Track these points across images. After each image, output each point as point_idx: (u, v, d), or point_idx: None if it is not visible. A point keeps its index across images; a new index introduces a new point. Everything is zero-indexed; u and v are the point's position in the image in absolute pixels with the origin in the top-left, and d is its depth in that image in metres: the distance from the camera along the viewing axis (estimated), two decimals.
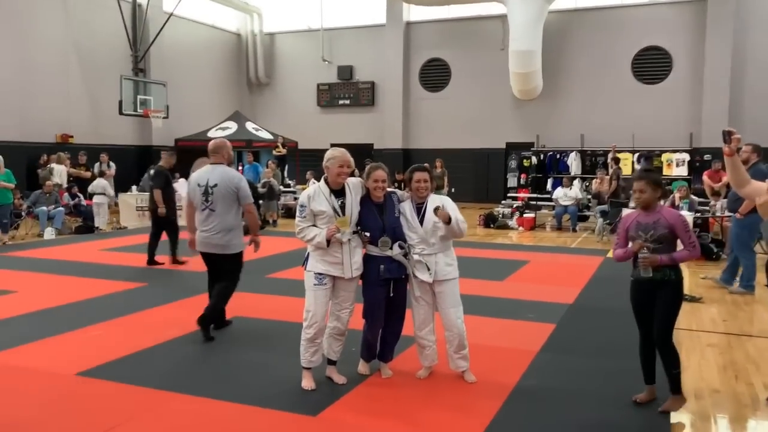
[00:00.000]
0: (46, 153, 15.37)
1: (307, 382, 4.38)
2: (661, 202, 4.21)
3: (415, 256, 4.42)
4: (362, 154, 16.90)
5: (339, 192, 4.33)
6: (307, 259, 4.38)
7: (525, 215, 14.70)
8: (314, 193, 4.33)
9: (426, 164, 4.69)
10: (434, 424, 3.86)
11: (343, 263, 4.28)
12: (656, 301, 4.00)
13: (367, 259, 4.41)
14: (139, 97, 17.29)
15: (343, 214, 4.27)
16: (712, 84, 17.23)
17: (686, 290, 7.69)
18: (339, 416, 3.97)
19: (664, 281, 3.96)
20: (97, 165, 15.60)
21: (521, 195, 16.99)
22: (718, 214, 11.03)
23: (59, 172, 14.47)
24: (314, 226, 4.31)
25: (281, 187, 16.15)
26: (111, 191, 13.82)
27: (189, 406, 4.10)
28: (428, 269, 4.39)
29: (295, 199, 16.82)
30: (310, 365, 4.39)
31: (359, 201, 4.39)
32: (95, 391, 4.36)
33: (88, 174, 14.98)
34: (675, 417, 4.00)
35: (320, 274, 4.29)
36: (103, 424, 3.78)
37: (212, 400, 4.19)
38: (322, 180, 4.40)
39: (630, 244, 4.04)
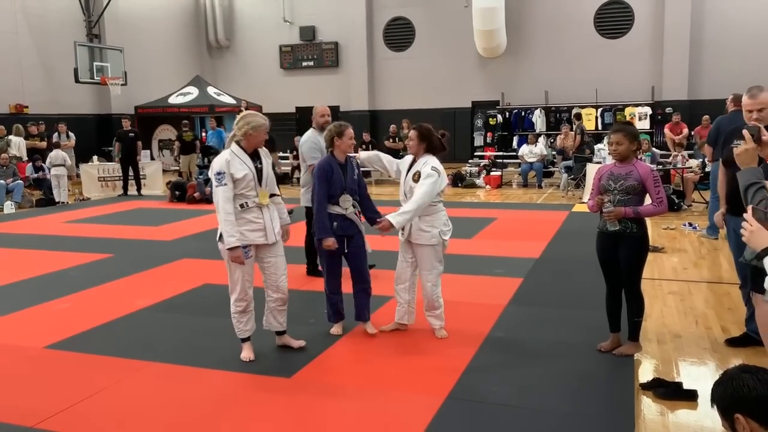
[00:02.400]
0: (2, 124, 14.82)
1: (247, 353, 4.27)
2: (639, 156, 4.30)
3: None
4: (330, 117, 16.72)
5: (253, 156, 4.16)
6: (222, 236, 4.08)
7: (492, 173, 14.82)
8: (232, 158, 4.07)
9: (422, 123, 4.66)
10: (408, 377, 3.94)
11: (265, 228, 4.17)
12: (619, 253, 4.10)
13: None
14: (95, 63, 16.77)
15: (260, 177, 4.15)
16: (673, 37, 17.36)
17: (649, 241, 7.92)
18: (314, 376, 4.02)
19: (626, 234, 4.05)
20: (55, 135, 15.15)
21: (488, 153, 17.08)
22: (679, 165, 11.25)
23: (17, 144, 14.02)
24: (241, 215, 4.10)
25: None
26: (69, 162, 13.42)
27: (164, 374, 4.10)
28: (402, 228, 4.45)
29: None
30: (247, 335, 4.30)
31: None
32: (66, 363, 4.33)
33: (44, 144, 14.54)
34: (639, 362, 4.15)
35: (245, 246, 4.09)
36: (77, 395, 3.77)
37: (186, 366, 4.19)
38: (234, 144, 4.13)
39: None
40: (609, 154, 4.24)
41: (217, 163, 4.09)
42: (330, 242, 4.43)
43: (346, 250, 4.58)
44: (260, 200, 4.15)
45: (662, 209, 4.02)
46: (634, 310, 4.17)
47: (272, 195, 4.28)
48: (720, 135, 7.45)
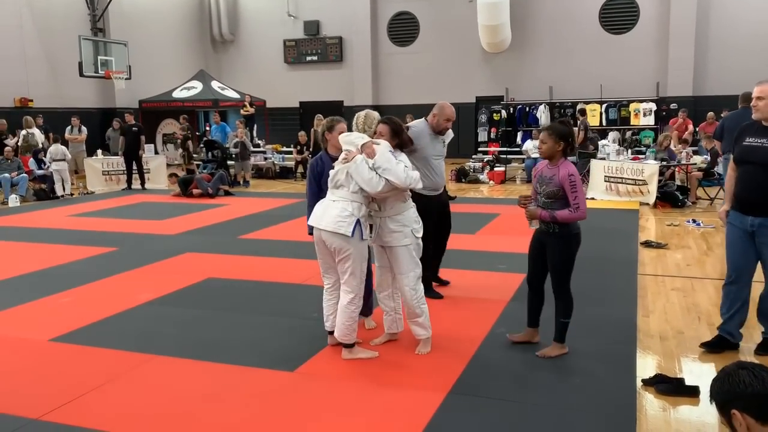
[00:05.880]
0: (8, 118, 14.86)
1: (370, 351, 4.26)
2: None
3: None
4: (333, 111, 16.76)
5: None
6: (361, 227, 3.98)
7: (495, 169, 14.80)
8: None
9: (392, 117, 4.41)
10: (410, 372, 3.95)
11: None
12: (546, 252, 4.09)
13: None
14: (99, 57, 16.78)
15: None
16: (678, 33, 17.30)
17: (652, 237, 7.92)
18: (317, 369, 4.04)
19: (549, 233, 4.03)
20: (68, 129, 15.23)
21: (491, 149, 17.07)
22: (683, 162, 11.21)
23: (37, 136, 14.14)
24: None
25: (251, 147, 15.96)
26: (69, 156, 13.46)
27: (167, 367, 4.12)
28: (371, 231, 4.19)
29: (266, 159, 16.63)
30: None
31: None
32: (70, 355, 4.35)
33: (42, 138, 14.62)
34: (641, 358, 4.15)
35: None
36: (81, 387, 3.79)
37: (189, 360, 4.21)
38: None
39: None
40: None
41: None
42: None
43: None
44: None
45: (578, 215, 3.91)
46: (561, 310, 4.10)
47: None
48: (725, 131, 7.46)
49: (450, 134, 5.28)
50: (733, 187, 4.19)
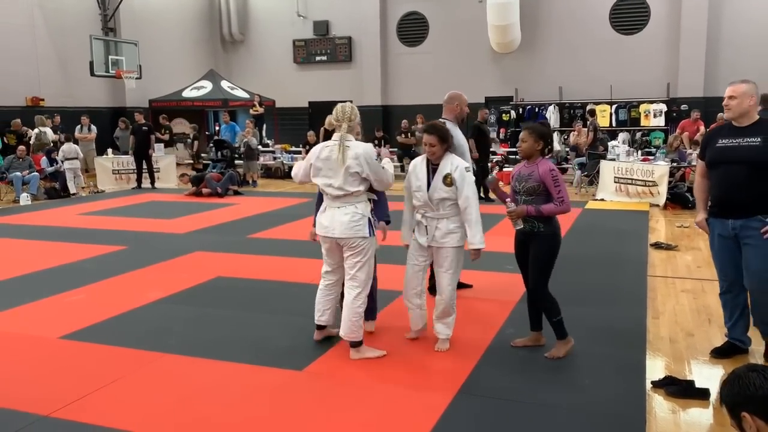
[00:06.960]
0: (19, 117, 14.98)
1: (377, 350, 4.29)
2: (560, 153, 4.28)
3: (417, 216, 4.28)
4: None
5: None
6: (372, 223, 4.10)
7: (505, 169, 14.76)
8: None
9: (439, 122, 4.35)
10: (419, 372, 3.95)
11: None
12: (529, 252, 4.08)
13: None
14: (110, 57, 16.89)
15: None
16: (689, 34, 17.18)
17: (662, 238, 7.88)
18: (325, 368, 4.04)
19: (533, 233, 4.03)
20: (77, 128, 15.35)
21: (501, 149, 17.03)
22: (693, 163, 11.14)
23: (49, 134, 14.27)
24: None
25: (260, 147, 16.00)
26: (81, 154, 13.57)
27: (176, 365, 4.14)
28: (427, 233, 4.21)
29: (275, 158, 16.66)
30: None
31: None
32: (80, 353, 4.38)
33: (54, 137, 14.74)
34: (650, 360, 4.13)
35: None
36: (91, 385, 3.81)
37: (198, 358, 4.23)
38: (353, 137, 4.13)
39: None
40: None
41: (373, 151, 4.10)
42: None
43: None
44: None
45: (564, 208, 3.98)
46: (548, 311, 4.10)
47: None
48: None
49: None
50: (706, 194, 4.17)
